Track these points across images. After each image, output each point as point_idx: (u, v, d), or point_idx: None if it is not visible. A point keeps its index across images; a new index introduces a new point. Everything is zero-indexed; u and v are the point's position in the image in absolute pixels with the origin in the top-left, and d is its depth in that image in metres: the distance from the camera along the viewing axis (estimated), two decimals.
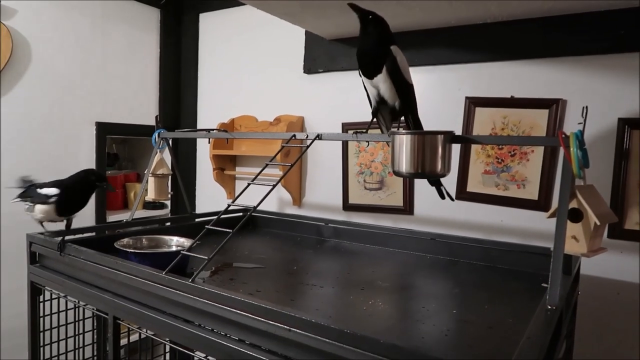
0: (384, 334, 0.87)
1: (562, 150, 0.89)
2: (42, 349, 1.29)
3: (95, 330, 1.41)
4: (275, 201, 2.02)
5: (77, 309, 1.33)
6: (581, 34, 1.38)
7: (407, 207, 1.70)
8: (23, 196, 1.18)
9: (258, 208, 1.06)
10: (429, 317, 0.93)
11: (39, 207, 1.12)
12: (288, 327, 0.75)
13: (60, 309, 1.31)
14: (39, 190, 1.14)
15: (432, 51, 1.61)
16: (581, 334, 1.30)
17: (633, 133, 1.33)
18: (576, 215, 0.90)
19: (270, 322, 0.77)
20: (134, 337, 1.65)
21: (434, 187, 1.22)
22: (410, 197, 1.69)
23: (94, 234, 1.47)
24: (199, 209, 2.31)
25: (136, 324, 1.03)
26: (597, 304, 1.38)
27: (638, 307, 1.33)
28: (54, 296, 1.28)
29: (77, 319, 1.35)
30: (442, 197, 1.20)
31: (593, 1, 1.28)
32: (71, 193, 1.16)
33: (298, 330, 0.74)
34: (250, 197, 1.11)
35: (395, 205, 1.72)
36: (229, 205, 1.08)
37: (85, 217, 2.02)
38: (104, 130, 2.07)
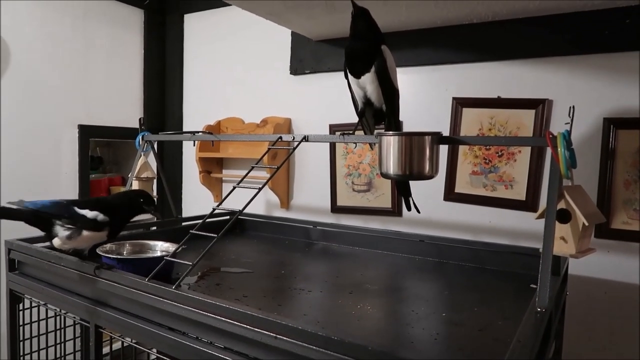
0: (373, 338, 0.85)
1: (549, 151, 0.88)
2: (22, 358, 1.26)
3: (77, 338, 1.38)
4: (263, 204, 2.00)
5: (58, 317, 1.30)
6: (566, 34, 1.38)
7: (396, 209, 1.69)
8: (61, 218, 0.95)
9: (245, 211, 1.04)
10: (418, 320, 0.92)
11: (88, 234, 0.95)
12: (274, 335, 0.73)
13: (41, 317, 1.27)
14: (82, 212, 0.94)
15: (419, 52, 1.61)
16: (569, 333, 1.30)
17: (618, 132, 1.33)
18: (564, 216, 0.90)
19: (256, 329, 0.75)
20: (117, 345, 1.61)
21: (407, 195, 1.22)
22: (398, 199, 1.68)
23: None
24: (186, 213, 2.28)
25: (118, 333, 1.00)
26: (585, 304, 1.38)
27: (626, 306, 1.33)
28: (34, 304, 1.24)
29: (58, 327, 1.31)
30: (409, 209, 1.19)
31: (578, 1, 1.29)
32: (122, 217, 1.01)
33: (284, 338, 0.72)
34: (237, 200, 1.08)
35: (383, 207, 1.71)
36: (213, 210, 1.05)
37: None
38: (87, 133, 2.03)
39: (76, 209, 0.95)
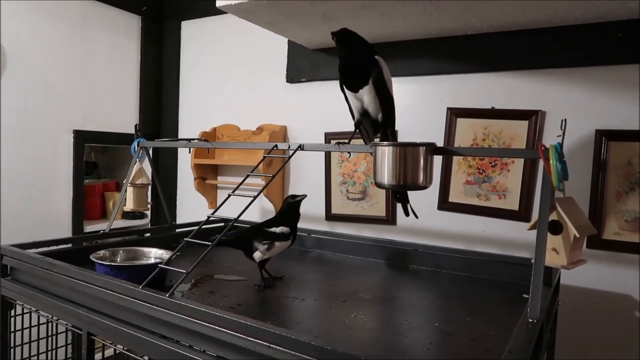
0: (366, 348, 0.86)
1: (542, 162, 0.89)
2: None
3: (69, 345, 1.37)
4: (257, 211, 2.00)
5: (50, 324, 1.29)
6: (559, 46, 1.40)
7: (390, 218, 1.70)
8: (258, 237, 1.18)
9: (240, 218, 1.04)
10: (411, 329, 0.93)
11: (279, 244, 1.18)
12: (267, 344, 0.73)
13: (33, 324, 1.27)
14: (272, 230, 1.18)
15: (414, 62, 1.62)
16: (561, 343, 1.31)
17: (610, 144, 1.35)
18: (556, 228, 0.91)
19: (249, 338, 0.75)
20: (109, 352, 1.60)
21: (405, 202, 1.23)
22: (392, 207, 1.68)
23: (70, 245, 1.42)
24: (180, 219, 2.28)
25: (111, 340, 1.00)
26: (577, 314, 1.39)
27: (617, 316, 1.34)
28: (25, 311, 1.23)
29: (50, 334, 1.30)
30: (407, 214, 1.20)
31: (570, 15, 1.31)
32: (294, 223, 1.24)
33: (278, 347, 0.72)
34: (232, 207, 1.09)
35: (377, 215, 1.72)
36: (208, 217, 1.06)
37: (62, 227, 1.97)
38: (82, 139, 2.03)
39: (266, 228, 1.19)
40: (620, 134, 1.34)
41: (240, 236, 1.20)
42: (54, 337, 1.32)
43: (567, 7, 1.24)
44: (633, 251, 1.32)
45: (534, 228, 0.89)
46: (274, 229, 1.18)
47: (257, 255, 1.18)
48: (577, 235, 0.88)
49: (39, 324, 1.26)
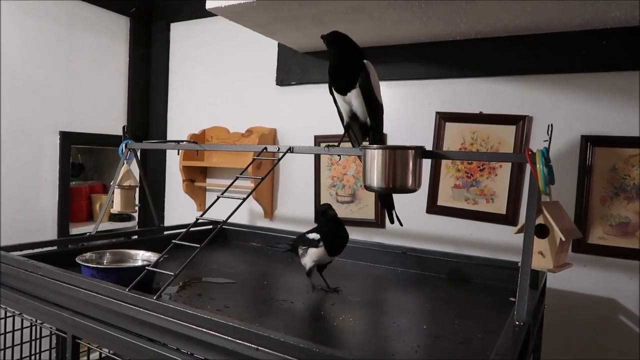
0: (355, 350, 0.86)
1: (529, 166, 0.91)
2: None
3: (53, 349, 1.35)
4: (247, 213, 1.99)
5: (34, 327, 1.27)
6: (546, 53, 1.42)
7: (379, 221, 1.70)
8: (300, 242, 1.20)
9: (229, 220, 1.04)
10: (399, 332, 0.93)
11: (312, 250, 1.17)
12: (255, 346, 0.72)
13: (16, 327, 1.24)
14: (307, 236, 1.19)
15: (404, 66, 1.63)
16: (547, 346, 1.32)
17: (595, 150, 1.37)
18: (542, 231, 0.92)
19: (237, 340, 0.74)
20: (95, 356, 1.58)
21: (390, 208, 1.23)
22: (381, 211, 1.69)
23: (55, 247, 1.40)
24: (169, 221, 2.26)
25: (97, 343, 0.99)
26: (562, 317, 1.40)
27: (602, 320, 1.36)
28: (9, 314, 1.21)
29: (33, 338, 1.28)
30: (392, 222, 1.21)
31: (556, 23, 1.33)
32: (332, 234, 1.17)
33: (266, 349, 0.72)
34: (221, 209, 1.08)
35: (367, 218, 1.72)
36: (197, 220, 1.05)
37: (48, 229, 1.94)
38: (69, 140, 2.00)
39: (306, 235, 1.19)
40: (605, 139, 1.36)
41: (294, 241, 1.24)
42: (38, 340, 1.30)
43: (553, 13, 1.26)
44: (617, 255, 1.34)
45: (521, 232, 0.90)
46: (308, 235, 1.19)
47: (301, 260, 1.20)
48: (563, 239, 0.89)
49: (22, 328, 1.24)
